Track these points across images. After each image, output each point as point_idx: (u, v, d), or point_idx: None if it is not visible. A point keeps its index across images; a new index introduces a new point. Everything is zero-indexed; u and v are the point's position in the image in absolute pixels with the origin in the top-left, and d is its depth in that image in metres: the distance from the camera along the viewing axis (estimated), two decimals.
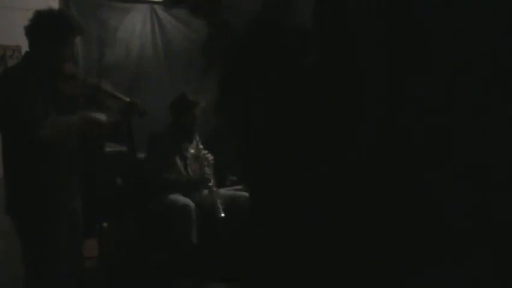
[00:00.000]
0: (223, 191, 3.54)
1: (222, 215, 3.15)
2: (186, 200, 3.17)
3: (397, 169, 0.60)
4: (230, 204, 3.33)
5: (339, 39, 0.63)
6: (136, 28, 4.12)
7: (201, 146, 3.44)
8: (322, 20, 0.64)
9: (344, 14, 0.61)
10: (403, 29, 0.59)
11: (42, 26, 2.12)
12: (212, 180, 3.35)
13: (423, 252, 0.60)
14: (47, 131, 1.99)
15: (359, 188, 0.61)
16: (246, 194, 3.45)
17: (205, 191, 3.39)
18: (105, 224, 3.15)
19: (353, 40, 0.60)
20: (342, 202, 0.62)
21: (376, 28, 0.59)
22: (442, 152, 0.58)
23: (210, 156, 3.45)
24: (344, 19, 0.61)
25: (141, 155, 3.57)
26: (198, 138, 3.46)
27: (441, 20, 0.56)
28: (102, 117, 2.21)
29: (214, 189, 3.31)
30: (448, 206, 0.57)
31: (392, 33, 0.59)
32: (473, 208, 0.57)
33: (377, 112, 0.59)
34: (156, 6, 4.26)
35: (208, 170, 3.38)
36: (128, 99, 2.46)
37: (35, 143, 2.00)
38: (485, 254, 0.57)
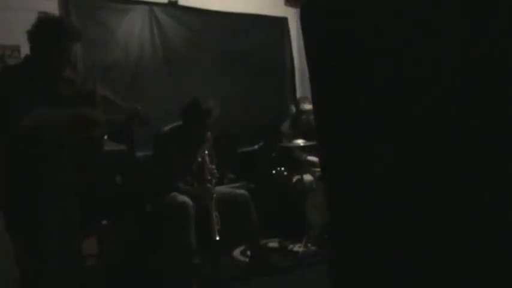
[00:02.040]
0: (221, 188, 3.56)
1: (217, 238, 3.10)
2: (185, 198, 3.18)
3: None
4: (229, 201, 3.35)
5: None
6: (135, 29, 4.16)
7: (208, 158, 3.37)
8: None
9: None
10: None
11: (42, 30, 2.15)
12: (214, 196, 3.28)
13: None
14: (31, 122, 1.95)
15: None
16: (244, 192, 3.47)
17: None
18: (104, 222, 3.16)
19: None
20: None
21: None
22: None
23: (215, 170, 3.40)
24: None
25: (140, 154, 3.60)
26: (206, 150, 3.39)
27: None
28: (99, 117, 2.18)
29: (213, 205, 3.23)
30: None
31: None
32: None
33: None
34: (155, 7, 4.29)
35: (211, 187, 3.32)
36: (129, 107, 2.42)
37: (17, 134, 1.96)
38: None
